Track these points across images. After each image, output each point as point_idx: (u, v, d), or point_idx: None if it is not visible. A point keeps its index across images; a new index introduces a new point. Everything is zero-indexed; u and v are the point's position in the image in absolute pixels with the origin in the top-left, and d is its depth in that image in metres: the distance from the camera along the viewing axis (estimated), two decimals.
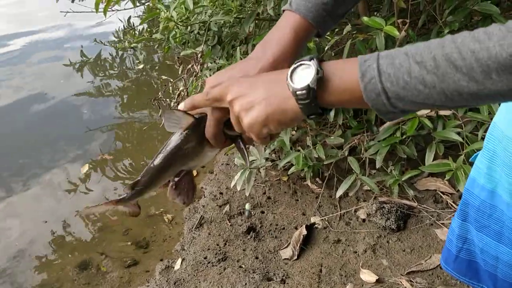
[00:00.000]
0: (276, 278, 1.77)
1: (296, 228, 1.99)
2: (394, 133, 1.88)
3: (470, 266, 1.07)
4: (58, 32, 5.42)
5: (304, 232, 1.92)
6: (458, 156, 1.72)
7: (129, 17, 4.82)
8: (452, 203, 1.93)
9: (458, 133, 1.74)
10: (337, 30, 2.04)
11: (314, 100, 0.62)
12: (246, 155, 0.81)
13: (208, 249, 1.97)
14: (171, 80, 2.93)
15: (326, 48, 1.90)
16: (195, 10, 2.27)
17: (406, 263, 1.75)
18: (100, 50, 4.70)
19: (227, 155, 2.58)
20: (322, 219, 2.01)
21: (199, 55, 2.37)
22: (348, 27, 1.89)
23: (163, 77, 3.35)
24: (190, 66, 2.56)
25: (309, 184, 2.17)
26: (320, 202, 2.10)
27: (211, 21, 2.21)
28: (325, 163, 1.99)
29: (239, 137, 0.79)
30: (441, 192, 2.00)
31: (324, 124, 2.21)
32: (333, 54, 2.07)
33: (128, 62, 4.56)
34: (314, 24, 0.78)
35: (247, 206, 2.09)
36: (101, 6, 2.49)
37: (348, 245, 1.87)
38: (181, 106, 0.79)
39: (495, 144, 0.88)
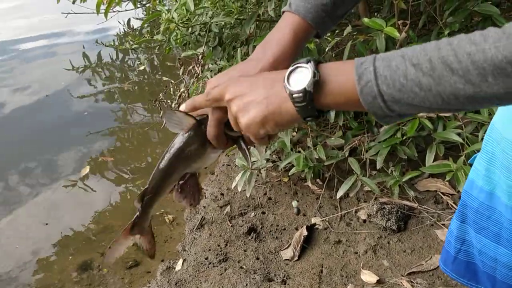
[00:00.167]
0: (277, 279, 1.77)
1: (296, 229, 1.99)
2: (394, 134, 1.89)
3: (469, 267, 1.07)
4: (59, 34, 5.43)
5: (305, 232, 1.92)
6: (458, 157, 1.72)
7: (129, 19, 4.84)
8: (452, 204, 1.93)
9: (459, 134, 1.74)
10: (337, 31, 2.04)
11: (311, 103, 0.62)
12: (248, 155, 0.81)
13: (209, 249, 1.98)
14: (172, 81, 2.93)
15: (326, 49, 1.90)
16: (196, 12, 2.28)
17: (407, 263, 1.76)
18: (101, 51, 4.70)
19: (228, 156, 2.58)
20: (322, 220, 2.01)
21: (200, 57, 2.38)
22: (348, 28, 1.90)
23: (164, 78, 3.35)
24: (191, 67, 2.56)
25: (310, 185, 2.17)
26: (320, 203, 2.10)
27: (212, 23, 2.21)
28: (325, 164, 1.99)
29: (240, 138, 0.79)
30: (442, 193, 2.00)
31: (324, 125, 2.22)
32: (333, 55, 2.07)
33: (129, 64, 4.56)
34: (313, 24, 0.79)
35: (294, 203, 2.12)
36: (102, 7, 2.50)
37: (349, 246, 1.88)
38: (183, 108, 0.79)
39: (493, 146, 0.88)
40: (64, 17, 4.03)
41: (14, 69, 4.59)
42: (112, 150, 3.00)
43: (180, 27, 2.27)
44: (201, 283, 1.83)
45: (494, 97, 0.51)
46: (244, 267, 1.86)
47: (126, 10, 3.90)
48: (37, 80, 4.21)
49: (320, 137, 2.10)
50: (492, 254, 0.97)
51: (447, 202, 1.96)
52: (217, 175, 2.50)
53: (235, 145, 0.82)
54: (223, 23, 2.22)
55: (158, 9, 2.36)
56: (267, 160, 2.09)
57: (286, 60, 0.78)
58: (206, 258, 1.93)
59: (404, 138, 1.87)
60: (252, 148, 2.13)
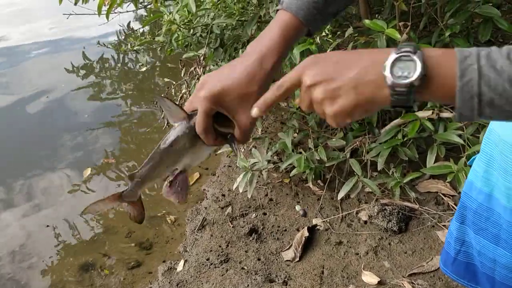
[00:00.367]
0: (278, 280, 1.78)
1: (298, 230, 1.99)
2: (395, 135, 1.89)
3: (468, 268, 1.08)
4: (61, 35, 5.43)
5: (306, 234, 1.93)
6: (459, 158, 1.73)
7: (129, 22, 4.84)
8: (453, 205, 1.93)
9: (460, 135, 1.74)
10: (339, 33, 2.05)
11: (412, 95, 0.58)
12: (238, 153, 0.80)
13: (211, 250, 1.98)
14: (174, 82, 2.94)
15: (328, 51, 1.91)
16: (198, 13, 2.28)
17: (408, 265, 1.76)
18: (102, 52, 4.71)
19: (229, 157, 2.59)
20: (323, 221, 2.02)
21: (202, 58, 2.38)
22: (350, 30, 1.90)
23: (166, 79, 3.36)
24: (192, 68, 2.56)
25: (311, 186, 2.18)
26: (321, 204, 2.10)
27: (213, 24, 2.22)
28: (326, 165, 2.00)
29: (230, 135, 0.78)
30: (443, 194, 2.00)
31: (325, 127, 2.22)
32: None
33: (130, 65, 4.57)
34: (304, 22, 0.78)
35: (298, 207, 2.12)
36: (104, 9, 2.51)
37: (350, 247, 1.88)
38: (256, 112, 0.72)
39: (491, 148, 0.89)
40: (66, 18, 4.04)
41: (14, 68, 4.59)
42: (113, 151, 3.01)
43: (181, 29, 2.28)
44: (202, 284, 1.83)
45: None
46: (246, 268, 1.86)
47: (127, 11, 3.91)
48: (38, 81, 4.21)
49: (321, 138, 2.10)
50: (491, 255, 0.97)
51: (448, 203, 1.96)
52: (218, 176, 2.50)
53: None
54: (224, 24, 2.23)
55: (161, 10, 2.37)
56: (268, 161, 2.09)
57: (273, 57, 0.76)
58: (208, 259, 1.94)
59: (405, 139, 1.88)
60: (253, 149, 2.14)
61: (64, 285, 2.00)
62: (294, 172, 2.01)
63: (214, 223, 2.14)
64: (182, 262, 1.96)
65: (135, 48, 3.62)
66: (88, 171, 2.78)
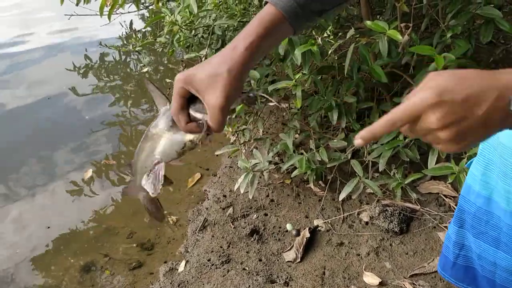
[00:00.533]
0: (280, 281, 1.78)
1: (299, 231, 1.99)
2: (397, 136, 1.89)
3: (468, 272, 1.07)
4: (62, 36, 5.44)
5: (307, 234, 1.93)
6: (460, 159, 1.73)
7: (131, 22, 4.84)
8: (454, 206, 1.93)
9: None
10: (340, 34, 2.05)
11: None
12: (206, 141, 0.79)
13: (212, 251, 1.98)
14: None
15: (329, 52, 1.91)
16: (199, 14, 2.29)
17: (409, 266, 1.76)
18: (104, 53, 4.71)
19: (231, 158, 2.59)
20: (325, 222, 2.02)
21: (203, 59, 2.39)
22: (351, 31, 1.90)
23: (167, 80, 3.36)
24: None
25: (312, 187, 2.18)
26: (323, 205, 2.11)
27: (215, 25, 2.22)
28: (328, 166, 2.00)
29: (203, 120, 0.76)
30: (444, 195, 2.00)
31: (327, 127, 2.22)
32: (336, 58, 2.08)
33: (132, 66, 4.57)
34: (286, 15, 0.77)
35: (289, 227, 2.05)
36: (106, 9, 2.51)
37: (351, 248, 1.88)
38: (358, 143, 0.65)
39: (490, 151, 0.88)
40: (67, 19, 4.04)
41: (16, 70, 4.59)
42: (114, 152, 3.01)
43: (183, 30, 2.28)
44: (203, 284, 1.83)
45: None
46: (247, 268, 1.86)
47: (129, 12, 3.92)
48: (39, 81, 4.21)
49: (323, 139, 2.10)
50: (491, 258, 0.97)
51: (449, 205, 1.96)
52: (219, 177, 2.50)
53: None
54: (226, 25, 2.23)
55: (162, 10, 2.37)
56: (270, 162, 2.09)
57: (247, 39, 0.75)
58: (209, 260, 1.94)
59: (407, 140, 1.88)
60: (254, 150, 2.14)
61: (65, 285, 2.01)
62: (295, 173, 2.01)
63: (215, 224, 2.14)
64: (183, 262, 1.97)
65: (137, 49, 3.62)
66: (89, 172, 2.79)
